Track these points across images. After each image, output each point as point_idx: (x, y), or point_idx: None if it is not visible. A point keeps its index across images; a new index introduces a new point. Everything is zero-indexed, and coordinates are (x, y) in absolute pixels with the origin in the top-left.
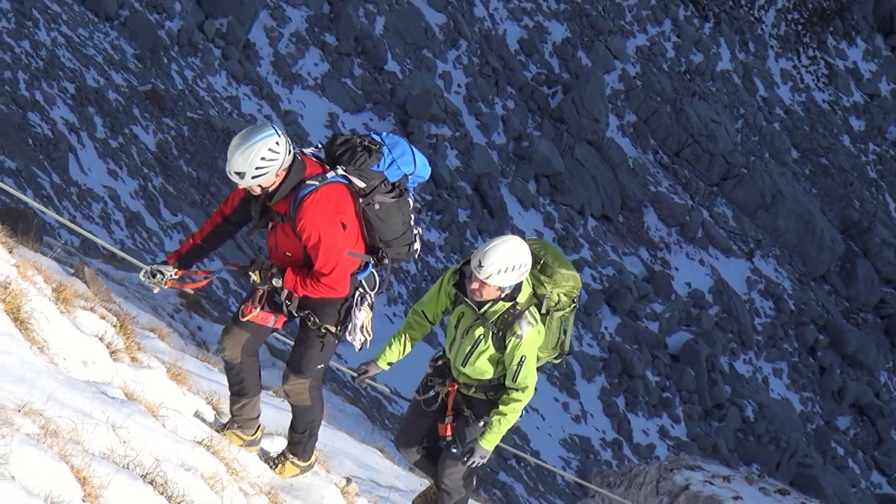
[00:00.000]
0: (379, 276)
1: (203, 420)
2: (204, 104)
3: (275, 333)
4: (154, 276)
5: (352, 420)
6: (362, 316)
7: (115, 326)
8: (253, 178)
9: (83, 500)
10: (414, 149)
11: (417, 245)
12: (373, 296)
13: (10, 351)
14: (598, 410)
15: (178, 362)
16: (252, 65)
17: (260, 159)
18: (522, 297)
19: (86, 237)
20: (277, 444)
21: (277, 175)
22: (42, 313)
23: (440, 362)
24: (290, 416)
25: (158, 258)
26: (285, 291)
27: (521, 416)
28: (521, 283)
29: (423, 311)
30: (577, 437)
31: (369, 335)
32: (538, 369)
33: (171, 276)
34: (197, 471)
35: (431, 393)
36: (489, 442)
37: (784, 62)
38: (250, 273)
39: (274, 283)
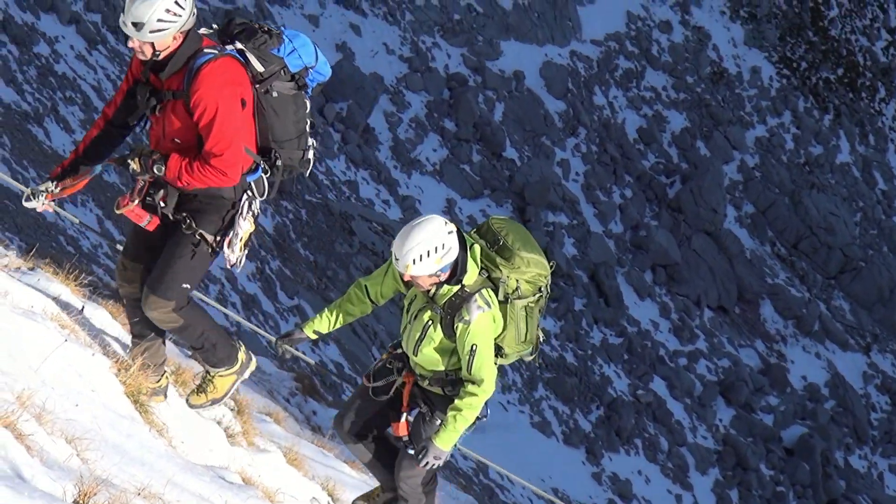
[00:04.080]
0: (269, 182)
1: None
2: (322, 188)
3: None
4: (35, 196)
5: None
6: (245, 226)
7: (232, 410)
8: (151, 32)
9: None
10: (317, 46)
11: (311, 155)
12: (258, 205)
13: (131, 434)
14: None
15: (295, 447)
16: (371, 149)
17: (164, 11)
18: (469, 279)
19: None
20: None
21: (175, 38)
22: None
23: (398, 350)
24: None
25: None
26: (161, 192)
27: (483, 416)
28: (466, 263)
29: (366, 287)
30: None
31: (245, 251)
32: (512, 366)
33: (51, 190)
34: None
35: (382, 382)
36: (444, 441)
37: None
38: (129, 161)
39: (155, 170)
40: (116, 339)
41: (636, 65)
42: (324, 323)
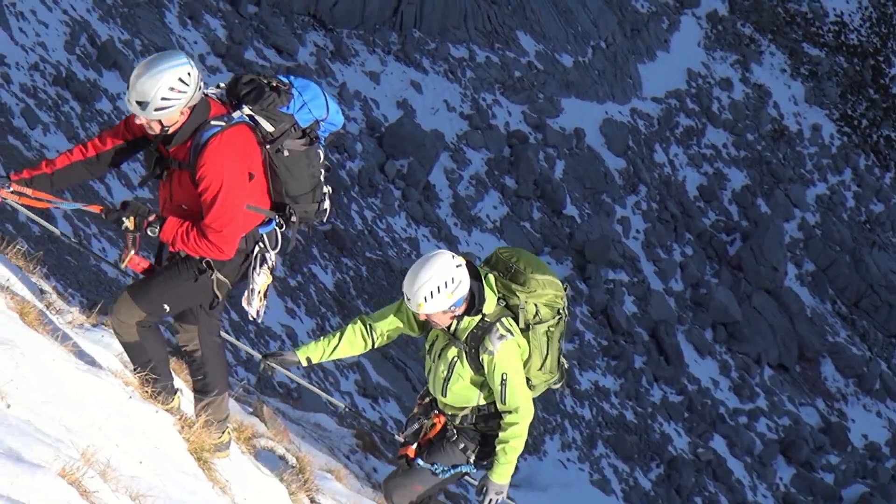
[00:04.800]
0: (283, 235)
1: None
2: (383, 245)
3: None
4: None
5: None
6: (261, 280)
7: (293, 467)
8: (156, 110)
9: None
10: (327, 94)
11: (327, 205)
12: (273, 257)
13: (194, 491)
14: None
15: None
16: (431, 206)
17: (168, 89)
18: (489, 308)
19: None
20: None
21: (182, 113)
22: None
23: (427, 399)
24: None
25: (334, 396)
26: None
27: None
28: (481, 291)
29: (370, 326)
30: None
31: (263, 301)
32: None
33: (4, 186)
34: None
35: (416, 426)
36: (500, 476)
37: None
38: (123, 219)
39: (149, 232)
40: (178, 393)
41: (696, 122)
42: (318, 352)
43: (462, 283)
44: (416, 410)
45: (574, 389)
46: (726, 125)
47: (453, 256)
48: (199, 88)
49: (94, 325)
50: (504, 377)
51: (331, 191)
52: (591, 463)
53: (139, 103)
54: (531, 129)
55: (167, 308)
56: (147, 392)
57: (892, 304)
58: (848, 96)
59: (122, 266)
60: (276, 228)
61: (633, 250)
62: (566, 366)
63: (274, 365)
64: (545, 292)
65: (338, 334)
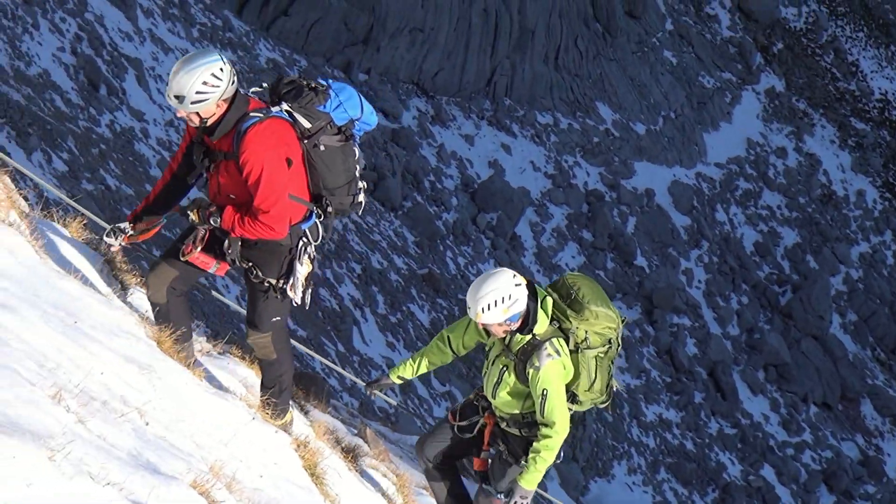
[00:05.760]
0: (322, 227)
1: None
2: None
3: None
4: (114, 235)
5: None
6: (303, 270)
7: (394, 484)
8: (192, 103)
9: None
10: (362, 97)
11: (362, 198)
12: (314, 248)
13: (308, 503)
14: None
15: None
16: (517, 255)
17: (202, 84)
18: (540, 329)
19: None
20: None
21: (218, 105)
22: (335, 470)
23: (482, 395)
24: None
25: (427, 421)
26: (227, 241)
27: (558, 460)
28: (535, 311)
29: (448, 338)
30: None
31: (309, 289)
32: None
33: (127, 232)
34: None
35: (467, 422)
36: (528, 482)
37: None
38: (189, 212)
39: (212, 221)
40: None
41: (754, 186)
42: (408, 370)
43: (518, 301)
44: (471, 396)
45: (640, 420)
46: (780, 189)
47: (514, 275)
48: (233, 83)
49: (220, 354)
50: (545, 392)
51: (365, 186)
52: (653, 486)
53: (177, 97)
54: (607, 189)
55: (279, 319)
56: (267, 414)
57: None
58: (890, 166)
59: (183, 259)
60: (317, 221)
61: (696, 298)
62: (615, 388)
63: (376, 391)
64: (598, 322)
65: (423, 352)
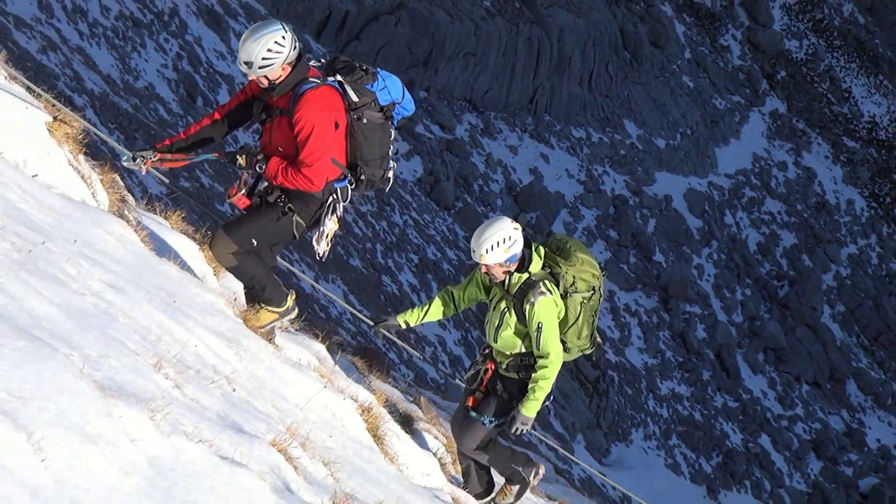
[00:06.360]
0: (352, 192)
1: None
2: None
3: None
4: (135, 160)
5: None
6: (330, 225)
7: (444, 445)
8: (260, 68)
9: None
10: (405, 86)
11: (391, 175)
12: (343, 207)
13: (371, 461)
14: None
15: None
16: None
17: (266, 50)
18: (534, 268)
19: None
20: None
21: (283, 68)
22: (393, 432)
23: (487, 349)
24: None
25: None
26: (265, 183)
27: (547, 402)
28: (530, 255)
29: (451, 292)
30: None
31: (329, 246)
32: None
33: (150, 157)
34: None
35: (472, 371)
36: (528, 409)
37: None
38: (237, 157)
39: (258, 167)
40: (358, 385)
41: (758, 194)
42: (413, 317)
43: (517, 242)
44: (478, 358)
45: (655, 394)
46: (781, 197)
47: (511, 221)
48: (295, 48)
49: (296, 330)
50: (540, 325)
51: (395, 165)
52: (666, 451)
53: (246, 63)
54: (631, 195)
55: (255, 242)
56: (335, 384)
57: None
58: (876, 179)
59: (228, 201)
60: (348, 185)
61: (705, 290)
62: (599, 340)
63: (382, 330)
64: (584, 268)
65: (428, 302)
